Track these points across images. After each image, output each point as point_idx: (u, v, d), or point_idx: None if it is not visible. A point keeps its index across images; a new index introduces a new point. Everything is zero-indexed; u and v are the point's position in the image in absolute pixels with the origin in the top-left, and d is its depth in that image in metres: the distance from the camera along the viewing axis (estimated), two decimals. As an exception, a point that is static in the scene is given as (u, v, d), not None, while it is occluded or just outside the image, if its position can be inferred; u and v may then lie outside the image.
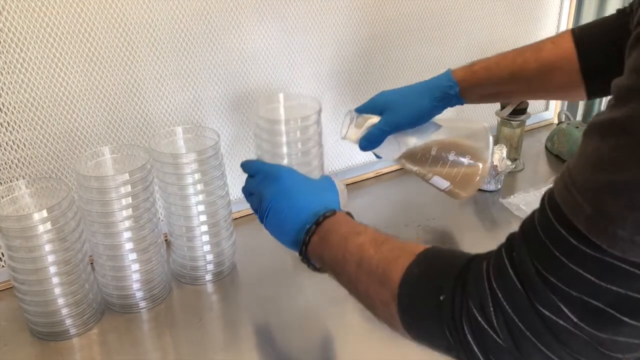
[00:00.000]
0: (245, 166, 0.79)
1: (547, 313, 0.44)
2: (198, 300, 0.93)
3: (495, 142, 1.28)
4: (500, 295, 0.46)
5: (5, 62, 0.84)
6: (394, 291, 0.55)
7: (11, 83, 0.86)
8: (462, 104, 0.89)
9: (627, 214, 0.37)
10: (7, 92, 0.86)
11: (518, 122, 1.22)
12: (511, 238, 0.48)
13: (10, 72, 0.85)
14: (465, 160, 0.91)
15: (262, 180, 0.74)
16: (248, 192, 0.77)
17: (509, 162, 1.17)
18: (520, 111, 1.22)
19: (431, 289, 0.52)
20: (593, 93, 0.80)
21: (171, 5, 0.92)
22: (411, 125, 0.88)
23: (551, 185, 0.45)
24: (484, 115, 1.36)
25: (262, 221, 0.73)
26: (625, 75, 0.39)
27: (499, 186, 1.19)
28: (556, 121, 1.46)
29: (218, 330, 0.87)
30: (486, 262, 0.49)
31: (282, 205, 0.70)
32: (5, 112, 0.87)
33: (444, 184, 0.94)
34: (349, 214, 0.69)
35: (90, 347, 0.84)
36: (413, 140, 0.90)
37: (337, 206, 0.71)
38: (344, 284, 0.64)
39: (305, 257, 0.68)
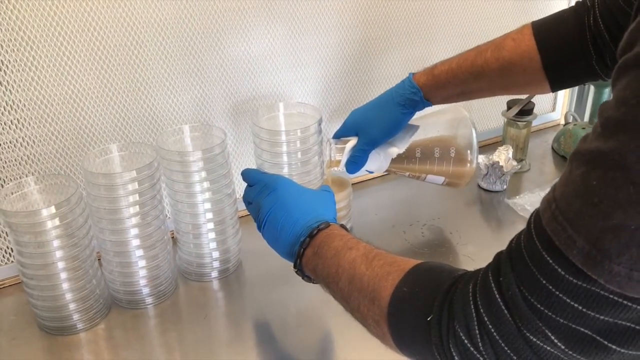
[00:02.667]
0: (245, 175, 0.79)
1: (534, 340, 0.43)
2: (204, 297, 0.94)
3: (502, 143, 1.28)
4: (487, 320, 0.46)
5: (16, 60, 0.85)
6: (384, 310, 0.55)
7: (21, 81, 0.87)
8: (430, 106, 0.90)
9: (623, 250, 0.37)
10: (17, 90, 0.87)
11: (524, 122, 1.23)
12: (498, 259, 0.48)
13: (21, 69, 0.86)
14: (451, 152, 0.92)
15: (260, 191, 0.74)
16: (247, 201, 0.78)
17: (514, 163, 1.17)
18: (526, 112, 1.22)
19: (419, 309, 0.52)
20: (557, 87, 0.81)
21: (179, 5, 0.93)
22: (388, 137, 0.91)
23: (536, 209, 0.44)
24: (490, 115, 1.36)
25: (259, 230, 0.74)
26: (613, 105, 0.39)
27: (505, 186, 1.19)
28: (563, 122, 1.46)
29: (223, 327, 0.88)
30: (473, 282, 0.49)
31: (278, 217, 0.70)
32: (15, 110, 0.88)
33: (439, 179, 0.95)
34: (343, 226, 0.69)
35: (97, 342, 0.85)
36: (395, 150, 0.92)
37: (332, 218, 0.71)
38: (337, 299, 0.64)
39: (300, 269, 0.68)
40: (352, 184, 1.20)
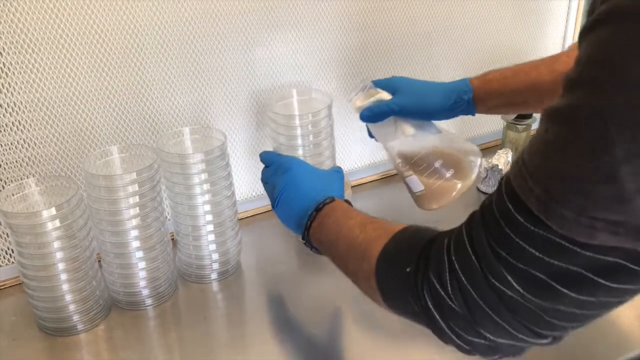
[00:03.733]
0: (262, 157, 0.86)
1: (497, 283, 0.48)
2: (203, 298, 0.94)
3: (501, 146, 1.28)
4: (457, 266, 0.51)
5: (18, 62, 0.86)
6: (373, 266, 0.60)
7: (23, 83, 0.87)
8: (473, 114, 0.89)
9: (572, 197, 0.41)
10: (19, 92, 0.88)
11: (524, 125, 1.23)
12: (472, 216, 0.52)
13: (22, 72, 0.87)
14: (447, 173, 0.89)
15: (275, 171, 0.81)
16: (264, 180, 0.84)
17: (513, 166, 1.17)
18: (526, 115, 1.22)
19: (401, 262, 0.57)
20: None
21: (179, 8, 0.94)
22: (418, 116, 0.88)
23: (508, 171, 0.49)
24: (489, 118, 1.36)
25: (273, 208, 0.80)
26: (572, 67, 0.42)
27: (504, 189, 1.19)
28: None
29: (222, 328, 0.89)
30: (448, 237, 0.54)
31: (290, 195, 0.77)
32: (17, 112, 0.89)
33: (419, 187, 0.91)
34: (347, 201, 0.75)
35: (96, 342, 0.86)
36: (411, 131, 0.89)
37: (339, 195, 0.77)
38: (336, 263, 0.70)
39: (308, 241, 0.74)
40: (352, 187, 1.20)
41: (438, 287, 0.52)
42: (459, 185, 0.88)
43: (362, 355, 0.82)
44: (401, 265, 0.57)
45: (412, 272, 0.55)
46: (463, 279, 0.50)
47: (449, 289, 0.51)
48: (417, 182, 0.91)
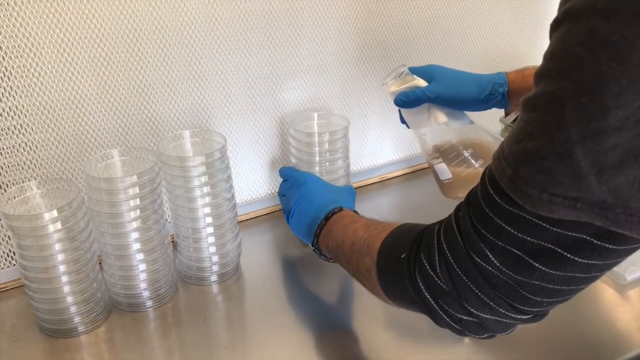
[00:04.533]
0: (281, 172, 0.96)
1: (478, 260, 0.52)
2: (203, 300, 0.95)
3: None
4: (445, 247, 0.55)
5: (19, 65, 0.87)
6: (374, 259, 0.65)
7: (24, 86, 0.88)
8: (506, 107, 0.91)
9: (535, 176, 0.45)
10: (20, 95, 0.88)
11: (522, 128, 1.23)
12: (460, 203, 0.57)
13: (24, 75, 0.87)
14: (476, 164, 0.91)
15: (291, 185, 0.89)
16: (280, 193, 0.92)
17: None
18: (524, 118, 1.23)
19: (397, 251, 0.62)
20: None
21: (180, 12, 0.94)
22: (452, 105, 0.90)
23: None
24: (488, 121, 1.37)
25: (288, 220, 0.87)
26: (542, 62, 0.45)
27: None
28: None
29: (222, 330, 0.89)
30: (439, 223, 0.59)
31: (303, 206, 0.84)
32: (18, 115, 0.89)
33: (446, 175, 0.93)
34: (355, 212, 0.80)
35: (97, 344, 0.86)
36: (444, 119, 0.90)
37: (350, 207, 0.82)
38: (342, 264, 0.74)
39: (317, 248, 0.80)
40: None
41: (427, 267, 0.57)
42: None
43: (363, 356, 0.83)
44: (397, 254, 0.61)
45: (405, 257, 0.60)
46: (449, 257, 0.55)
47: (437, 268, 0.56)
48: (445, 170, 0.93)
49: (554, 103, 0.43)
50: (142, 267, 0.88)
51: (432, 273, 0.56)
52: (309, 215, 0.82)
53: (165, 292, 0.93)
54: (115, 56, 0.93)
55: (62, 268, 0.82)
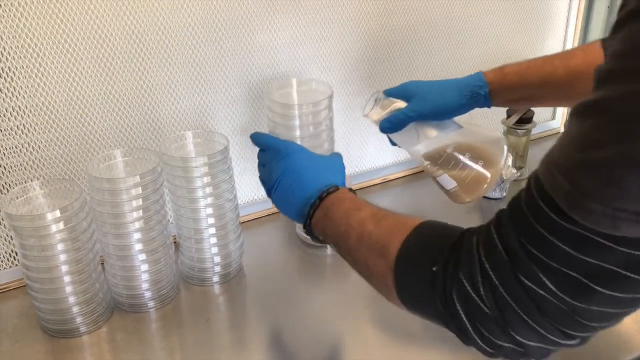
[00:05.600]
0: (256, 139, 0.82)
1: (528, 283, 0.47)
2: (205, 301, 0.95)
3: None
4: (488, 266, 0.50)
5: (23, 66, 0.87)
6: (391, 263, 0.58)
7: (27, 87, 0.88)
8: (489, 107, 0.90)
9: (601, 189, 0.40)
10: (23, 96, 0.89)
11: (524, 130, 1.24)
12: (500, 214, 0.51)
13: (27, 76, 0.88)
14: (477, 165, 0.91)
15: (273, 156, 0.78)
16: (260, 163, 0.82)
17: (514, 170, 1.18)
18: (526, 120, 1.23)
19: (425, 261, 0.55)
20: None
21: (183, 13, 0.95)
22: (435, 118, 0.89)
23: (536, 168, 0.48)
24: (490, 123, 1.37)
25: (269, 195, 0.78)
26: (606, 60, 0.42)
27: (504, 194, 1.20)
28: (563, 130, 1.47)
29: (224, 331, 0.89)
30: (476, 236, 0.52)
31: (289, 181, 0.75)
32: (21, 115, 0.90)
33: (451, 184, 0.93)
34: (351, 189, 0.73)
35: (99, 344, 0.86)
36: (433, 133, 0.89)
37: (341, 182, 0.75)
38: (344, 255, 0.68)
39: (309, 230, 0.73)
40: (354, 190, 1.21)
41: (469, 288, 0.51)
42: (489, 174, 0.90)
43: (365, 357, 0.83)
44: (425, 264, 0.55)
45: (439, 272, 0.53)
46: (494, 279, 0.49)
47: (481, 290, 0.50)
48: (448, 180, 0.93)
49: (628, 103, 0.39)
50: (144, 267, 0.89)
51: (474, 295, 0.50)
52: (298, 192, 0.74)
53: (167, 293, 0.93)
54: (119, 57, 0.93)
55: (64, 268, 0.82)
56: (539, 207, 0.45)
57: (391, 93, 0.91)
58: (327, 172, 0.77)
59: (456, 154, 0.90)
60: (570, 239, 0.44)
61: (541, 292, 0.47)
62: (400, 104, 0.89)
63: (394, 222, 0.62)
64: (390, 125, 0.88)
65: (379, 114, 0.90)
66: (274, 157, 0.78)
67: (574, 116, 0.43)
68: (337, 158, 0.82)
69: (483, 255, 0.50)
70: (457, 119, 0.91)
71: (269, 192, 0.78)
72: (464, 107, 0.89)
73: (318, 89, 1.03)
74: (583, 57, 0.81)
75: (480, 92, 0.88)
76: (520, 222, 0.48)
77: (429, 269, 0.54)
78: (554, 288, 0.46)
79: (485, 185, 0.91)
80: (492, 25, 1.28)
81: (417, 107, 0.87)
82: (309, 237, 0.76)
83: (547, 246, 0.45)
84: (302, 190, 0.73)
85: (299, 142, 0.96)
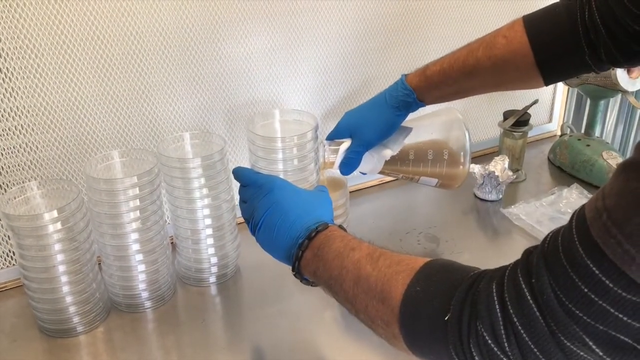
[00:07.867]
0: (238, 174, 0.76)
1: (569, 344, 0.43)
2: (202, 302, 0.95)
3: (498, 153, 1.29)
4: (516, 320, 0.45)
5: (21, 67, 0.87)
6: (396, 310, 0.54)
7: (26, 87, 0.89)
8: (423, 106, 0.91)
9: None
10: (21, 96, 0.89)
11: (520, 133, 1.24)
12: (527, 259, 0.47)
13: (25, 77, 0.88)
14: (444, 154, 0.93)
15: (255, 193, 0.72)
16: (241, 200, 0.75)
17: (510, 173, 1.18)
18: (522, 123, 1.23)
19: (435, 308, 0.51)
20: (550, 81, 0.81)
21: (181, 14, 0.95)
22: (382, 139, 0.92)
23: (578, 212, 0.44)
24: (486, 125, 1.37)
25: (253, 233, 0.71)
26: None
27: (500, 196, 1.20)
28: (559, 133, 1.47)
29: (221, 331, 0.89)
30: (497, 282, 0.48)
31: (274, 219, 0.68)
32: (19, 116, 0.90)
33: (432, 181, 0.97)
34: (341, 226, 0.68)
35: (96, 344, 0.87)
36: (389, 152, 0.93)
37: (329, 219, 0.69)
38: (341, 301, 0.63)
39: (298, 272, 0.67)
40: (350, 192, 1.21)
41: (490, 342, 0.46)
42: (462, 155, 0.94)
43: (363, 357, 0.83)
44: (436, 313, 0.51)
45: (453, 321, 0.49)
46: (523, 334, 0.45)
47: (505, 344, 0.46)
48: (429, 180, 0.97)
49: None
50: (141, 267, 0.89)
51: (497, 350, 0.46)
52: (283, 231, 0.67)
53: (164, 293, 0.93)
54: (116, 58, 0.93)
55: (61, 268, 0.82)
56: (588, 269, 0.41)
57: (333, 136, 0.95)
58: (314, 209, 0.70)
59: (420, 155, 0.93)
60: (628, 308, 0.40)
61: (583, 354, 0.43)
62: (347, 143, 0.93)
63: (393, 262, 0.57)
64: (349, 167, 0.92)
65: (333, 161, 0.93)
66: (257, 193, 0.71)
67: (629, 172, 0.40)
68: (323, 192, 0.75)
69: (510, 307, 0.46)
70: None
71: (253, 232, 0.71)
72: (400, 117, 0.91)
73: (302, 120, 0.99)
74: (506, 45, 0.80)
75: (409, 99, 0.89)
76: (559, 277, 0.43)
77: (441, 318, 0.50)
78: (600, 352, 0.42)
79: (460, 167, 0.95)
80: (490, 26, 1.28)
81: (362, 139, 0.91)
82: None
83: (595, 310, 0.41)
84: (288, 229, 0.67)
85: (282, 176, 0.91)
